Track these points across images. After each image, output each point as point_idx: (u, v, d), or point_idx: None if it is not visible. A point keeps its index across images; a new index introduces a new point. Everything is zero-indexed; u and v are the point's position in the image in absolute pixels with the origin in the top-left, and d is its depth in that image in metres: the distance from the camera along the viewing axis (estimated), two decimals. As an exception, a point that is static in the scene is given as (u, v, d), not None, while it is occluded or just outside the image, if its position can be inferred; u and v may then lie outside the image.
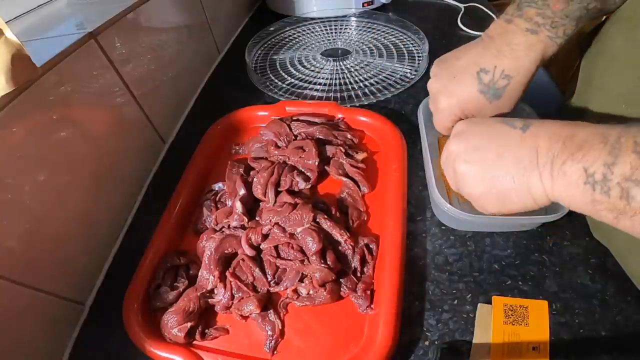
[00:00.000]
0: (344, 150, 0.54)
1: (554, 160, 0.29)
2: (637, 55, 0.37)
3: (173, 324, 0.40)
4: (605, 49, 0.42)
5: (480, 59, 0.39)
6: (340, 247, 0.45)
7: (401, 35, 0.81)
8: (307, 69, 0.76)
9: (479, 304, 0.40)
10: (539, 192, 0.31)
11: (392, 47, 0.78)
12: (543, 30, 0.36)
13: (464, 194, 0.38)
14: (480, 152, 0.34)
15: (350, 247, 0.44)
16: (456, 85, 0.41)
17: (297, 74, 0.74)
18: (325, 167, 0.54)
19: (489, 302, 0.40)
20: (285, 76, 0.74)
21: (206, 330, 0.41)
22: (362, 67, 0.74)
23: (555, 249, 0.44)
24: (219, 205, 0.51)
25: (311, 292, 0.42)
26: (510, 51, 0.38)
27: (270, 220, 0.47)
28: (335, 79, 0.72)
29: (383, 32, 0.83)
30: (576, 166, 0.27)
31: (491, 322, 0.38)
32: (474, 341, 0.38)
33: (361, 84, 0.70)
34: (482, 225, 0.46)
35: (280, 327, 0.40)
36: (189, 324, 0.40)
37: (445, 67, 0.43)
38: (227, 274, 0.43)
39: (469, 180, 0.35)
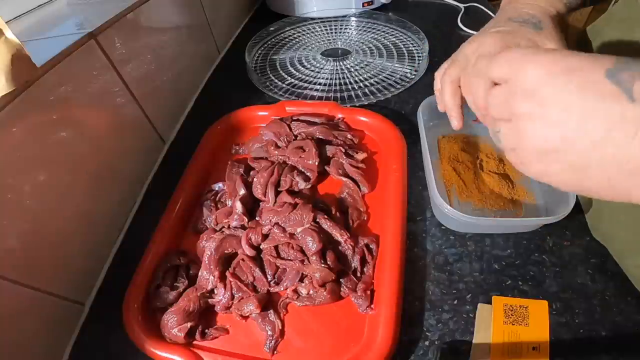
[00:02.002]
0: (344, 150, 0.54)
1: None
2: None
3: (173, 324, 0.40)
4: (600, 50, 0.42)
5: (501, 17, 0.37)
6: (340, 247, 0.45)
7: (401, 35, 0.81)
8: (307, 69, 0.76)
9: (479, 304, 0.40)
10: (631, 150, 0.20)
11: (392, 47, 0.78)
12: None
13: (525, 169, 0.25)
14: (563, 140, 0.22)
15: (350, 247, 0.44)
16: (489, 35, 0.36)
17: (297, 74, 0.74)
18: (325, 167, 0.54)
19: (489, 302, 0.40)
20: (285, 76, 0.74)
21: (206, 330, 0.41)
22: (362, 67, 0.74)
23: (555, 249, 0.44)
24: (219, 205, 0.51)
25: (311, 292, 0.42)
26: (529, 5, 0.37)
27: (270, 220, 0.47)
28: (335, 79, 0.72)
29: (383, 32, 0.83)
30: None
31: (491, 322, 0.38)
32: (474, 341, 0.38)
33: (361, 84, 0.70)
34: (483, 227, 0.46)
35: (280, 327, 0.40)
36: (189, 324, 0.40)
37: (468, 45, 0.38)
38: (227, 274, 0.43)
39: (535, 154, 0.23)
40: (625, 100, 0.19)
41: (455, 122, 0.39)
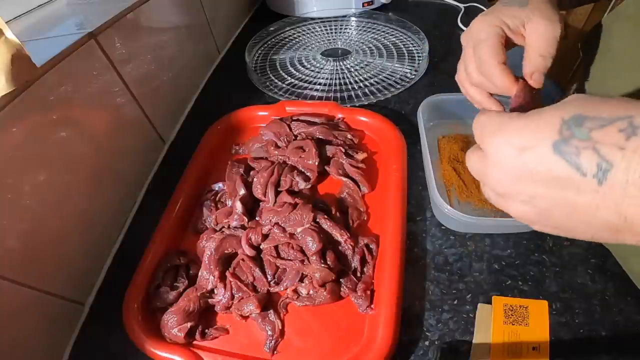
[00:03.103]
0: (344, 150, 0.54)
1: None
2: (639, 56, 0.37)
3: (173, 324, 0.40)
4: (608, 47, 0.42)
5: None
6: (340, 247, 0.45)
7: (401, 35, 0.81)
8: (307, 69, 0.76)
9: (479, 304, 0.40)
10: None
11: (392, 47, 0.78)
12: None
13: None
14: (540, 219, 0.24)
15: (350, 247, 0.44)
16: (477, 21, 0.36)
17: (297, 74, 0.74)
18: (325, 167, 0.54)
19: (489, 302, 0.40)
20: (285, 76, 0.74)
21: (206, 330, 0.41)
22: (362, 67, 0.74)
23: (555, 249, 0.44)
24: (219, 205, 0.51)
25: (311, 292, 0.42)
26: None
27: (270, 220, 0.47)
28: (335, 79, 0.72)
29: (383, 32, 0.83)
30: None
31: (491, 322, 0.38)
32: (474, 341, 0.38)
33: (361, 84, 0.70)
34: (483, 227, 0.46)
35: (280, 327, 0.40)
36: (189, 324, 0.40)
37: (463, 36, 0.38)
38: (227, 274, 0.43)
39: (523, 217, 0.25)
40: (577, 176, 0.19)
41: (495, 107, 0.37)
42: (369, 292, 0.41)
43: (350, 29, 0.87)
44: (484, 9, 0.86)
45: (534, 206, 0.22)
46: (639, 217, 0.18)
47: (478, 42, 0.35)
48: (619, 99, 0.20)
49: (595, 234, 0.21)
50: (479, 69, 0.35)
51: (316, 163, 0.52)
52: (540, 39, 0.33)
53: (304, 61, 0.78)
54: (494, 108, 0.36)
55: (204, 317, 0.42)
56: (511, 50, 0.36)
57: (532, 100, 0.32)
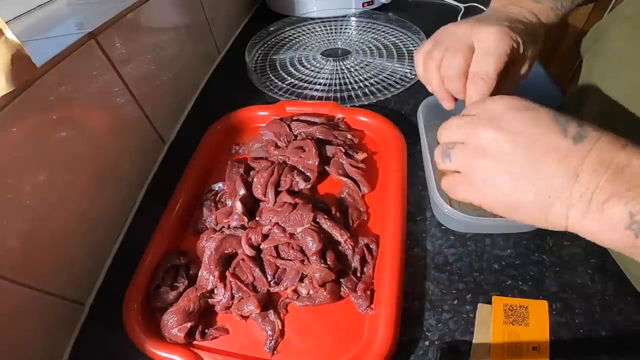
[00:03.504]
0: (344, 150, 0.54)
1: (593, 196, 0.24)
2: (638, 57, 0.37)
3: (173, 324, 0.40)
4: (606, 48, 0.42)
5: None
6: (340, 247, 0.45)
7: (401, 35, 0.81)
8: (307, 69, 0.76)
9: (479, 304, 0.40)
10: (559, 221, 0.26)
11: (392, 47, 0.78)
12: (546, 1, 0.37)
13: (459, 192, 0.30)
14: (512, 150, 0.27)
15: (350, 247, 0.44)
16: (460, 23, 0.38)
17: (297, 74, 0.74)
18: (325, 167, 0.54)
19: (489, 302, 0.40)
20: (285, 76, 0.74)
21: (206, 330, 0.41)
22: (362, 67, 0.74)
23: (555, 249, 0.44)
24: (219, 205, 0.51)
25: (311, 292, 0.42)
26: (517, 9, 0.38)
27: (270, 220, 0.47)
28: (335, 79, 0.72)
29: (383, 32, 0.83)
30: (620, 207, 0.23)
31: (491, 322, 0.38)
32: (474, 341, 0.38)
33: (361, 84, 0.70)
34: (483, 227, 0.46)
35: (280, 327, 0.40)
36: (189, 324, 0.40)
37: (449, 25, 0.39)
38: (227, 274, 0.43)
39: (480, 178, 0.28)
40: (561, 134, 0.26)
41: (447, 104, 0.41)
42: (369, 292, 0.41)
43: (350, 29, 0.87)
44: (484, 9, 0.86)
45: (521, 141, 0.27)
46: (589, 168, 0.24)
47: (453, 48, 0.37)
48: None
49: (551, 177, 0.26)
50: (441, 67, 0.38)
51: (316, 163, 0.52)
52: (477, 54, 0.35)
53: (304, 61, 0.78)
54: (448, 101, 0.41)
55: (204, 317, 0.42)
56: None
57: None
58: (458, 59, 0.36)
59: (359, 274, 0.43)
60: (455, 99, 0.41)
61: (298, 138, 0.56)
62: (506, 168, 0.27)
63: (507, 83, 0.38)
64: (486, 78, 0.34)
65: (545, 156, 0.26)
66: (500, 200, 0.28)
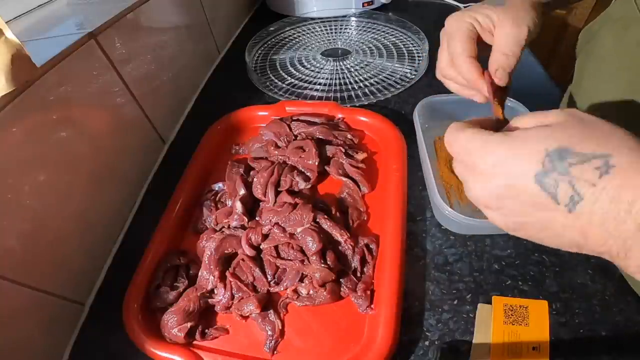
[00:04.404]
0: (344, 150, 0.54)
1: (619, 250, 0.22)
2: (627, 58, 0.37)
3: (173, 324, 0.40)
4: (595, 50, 0.42)
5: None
6: (340, 247, 0.45)
7: (401, 35, 0.81)
8: (307, 69, 0.76)
9: (479, 304, 0.40)
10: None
11: (392, 47, 0.78)
12: None
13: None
14: (518, 230, 0.27)
15: (350, 247, 0.44)
16: (451, 18, 0.37)
17: (297, 74, 0.74)
18: (325, 167, 0.54)
19: (489, 302, 0.40)
20: (285, 76, 0.74)
21: (206, 330, 0.41)
22: (362, 67, 0.74)
23: (555, 249, 0.44)
24: (219, 205, 0.51)
25: (311, 292, 0.42)
26: None
27: (270, 220, 0.47)
28: (335, 79, 0.72)
29: (383, 32, 0.83)
30: None
31: (491, 322, 0.38)
32: (474, 341, 0.38)
33: (361, 84, 0.70)
34: (483, 229, 0.46)
35: (280, 327, 0.40)
36: (189, 324, 0.40)
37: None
38: (227, 274, 0.43)
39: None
40: (552, 204, 0.22)
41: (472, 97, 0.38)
42: (369, 292, 0.41)
43: (350, 29, 0.87)
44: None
45: (511, 219, 0.26)
46: (596, 239, 0.23)
47: (451, 36, 0.36)
48: (603, 131, 0.22)
49: (560, 246, 0.25)
50: (450, 62, 0.37)
51: (316, 163, 0.52)
52: (504, 38, 0.34)
53: (304, 61, 0.78)
54: (473, 97, 0.38)
55: (204, 317, 0.42)
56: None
57: (500, 96, 0.33)
58: (457, 42, 0.36)
59: (359, 274, 0.43)
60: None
61: (298, 138, 0.56)
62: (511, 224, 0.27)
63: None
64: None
65: (545, 229, 0.25)
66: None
